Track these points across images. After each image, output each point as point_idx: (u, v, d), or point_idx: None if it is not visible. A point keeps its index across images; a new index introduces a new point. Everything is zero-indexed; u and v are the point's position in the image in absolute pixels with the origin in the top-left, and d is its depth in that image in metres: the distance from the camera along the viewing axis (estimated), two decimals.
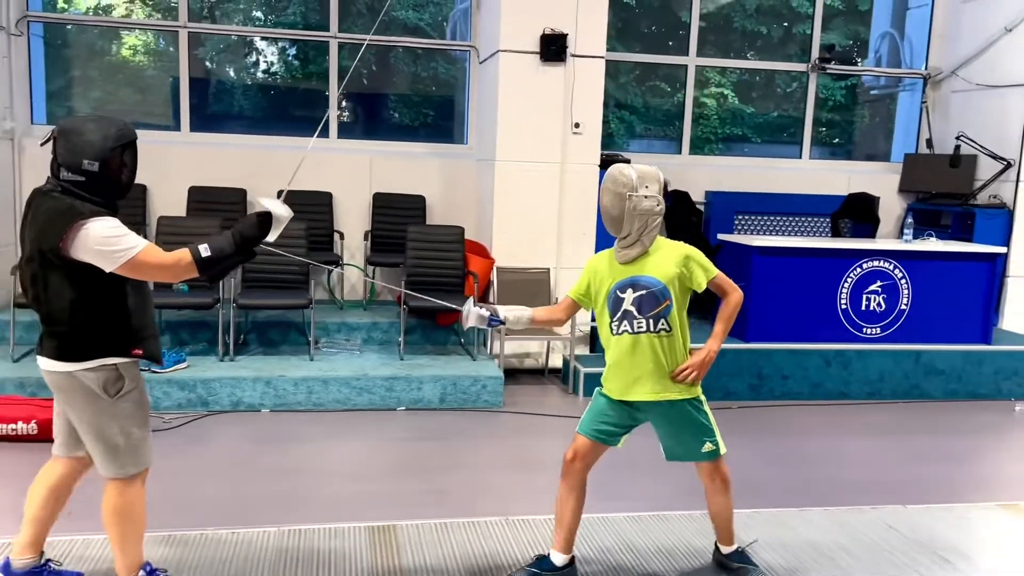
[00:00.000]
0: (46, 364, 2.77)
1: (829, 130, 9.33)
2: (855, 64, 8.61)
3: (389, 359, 6.00)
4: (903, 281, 6.45)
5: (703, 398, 3.18)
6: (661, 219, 3.11)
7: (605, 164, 6.85)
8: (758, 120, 9.15)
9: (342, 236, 7.19)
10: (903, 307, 6.47)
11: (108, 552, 3.17)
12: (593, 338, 6.87)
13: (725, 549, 3.43)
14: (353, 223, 7.28)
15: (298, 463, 4.66)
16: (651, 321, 3.06)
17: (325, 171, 7.21)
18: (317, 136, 3.59)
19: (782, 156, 8.78)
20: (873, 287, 6.41)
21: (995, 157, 7.46)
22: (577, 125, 6.56)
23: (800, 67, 8.45)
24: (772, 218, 7.98)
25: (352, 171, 7.35)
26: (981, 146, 7.50)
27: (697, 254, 3.13)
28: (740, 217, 7.96)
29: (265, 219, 2.78)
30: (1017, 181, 7.32)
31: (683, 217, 7.75)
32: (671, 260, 3.09)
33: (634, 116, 9.08)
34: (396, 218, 7.13)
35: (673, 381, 3.08)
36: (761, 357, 6.23)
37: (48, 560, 3.07)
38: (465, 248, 6.52)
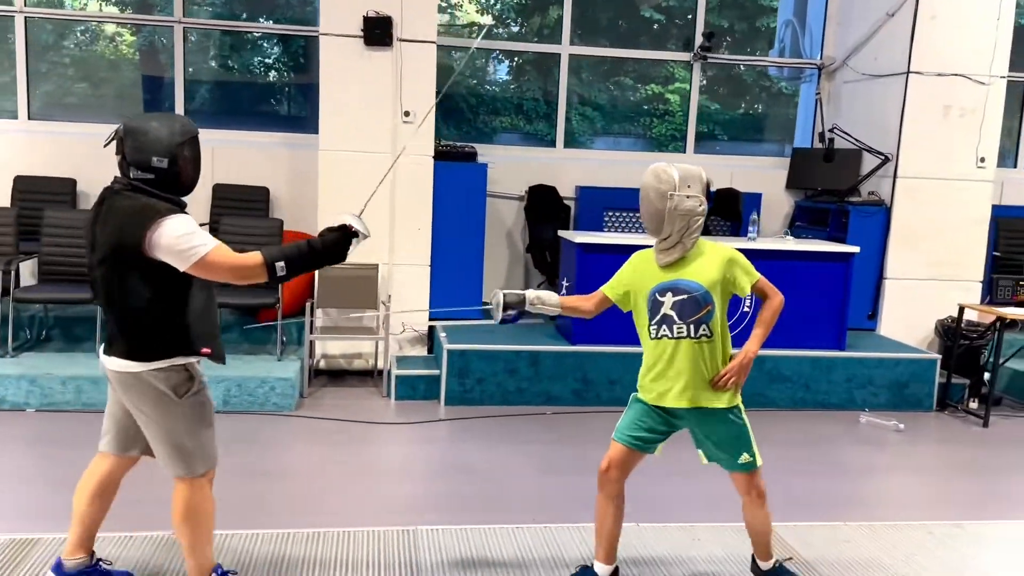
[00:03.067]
0: (115, 364, 2.77)
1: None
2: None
3: None
4: None
5: (742, 407, 3.10)
6: (703, 220, 2.99)
7: (441, 155, 6.53)
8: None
9: None
10: (746, 309, 6.05)
11: (157, 551, 3.38)
12: (431, 339, 6.53)
13: (763, 565, 3.30)
14: (193, 216, 6.97)
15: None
16: (692, 327, 2.98)
17: None
18: None
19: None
20: None
21: (871, 151, 7.01)
22: (407, 113, 6.23)
23: (684, 56, 8.05)
24: (639, 215, 7.57)
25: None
26: (856, 139, 7.06)
27: (740, 258, 3.05)
28: (610, 213, 7.57)
29: (347, 237, 2.79)
30: (895, 177, 6.87)
31: (549, 213, 7.39)
32: (714, 264, 3.00)
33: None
34: (236, 211, 6.83)
35: (713, 388, 3.00)
36: (587, 360, 5.85)
37: (99, 560, 3.10)
38: (285, 242, 6.22)
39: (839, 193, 7.16)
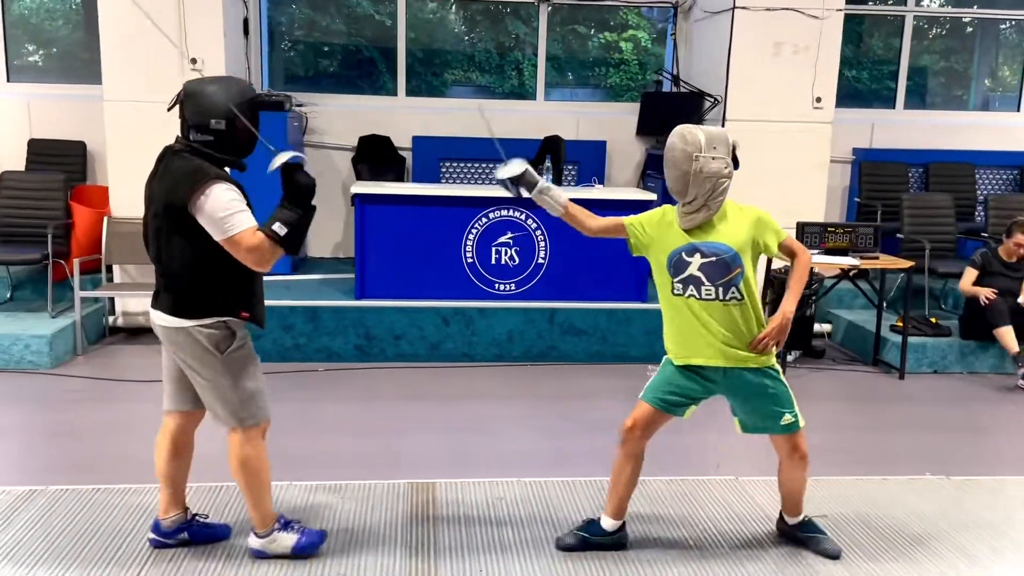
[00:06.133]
0: (160, 319, 2.85)
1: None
2: None
3: None
4: (538, 232, 5.78)
5: (778, 367, 3.04)
6: (729, 183, 2.92)
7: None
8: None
9: None
10: (540, 261, 5.82)
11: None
12: None
13: (791, 520, 3.29)
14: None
15: None
16: (720, 289, 2.93)
17: None
18: None
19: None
20: (503, 239, 5.76)
21: (703, 95, 6.67)
22: (195, 61, 6.00)
23: None
24: (477, 165, 7.33)
25: (10, 116, 6.92)
26: (687, 82, 6.72)
27: (768, 217, 3.01)
28: (446, 164, 7.32)
29: (293, 174, 2.80)
30: (723, 120, 6.53)
31: (382, 165, 7.16)
32: (742, 225, 2.96)
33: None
34: (53, 167, 6.67)
35: (752, 351, 2.94)
36: (369, 315, 5.66)
37: (195, 515, 3.18)
38: (72, 197, 6.09)
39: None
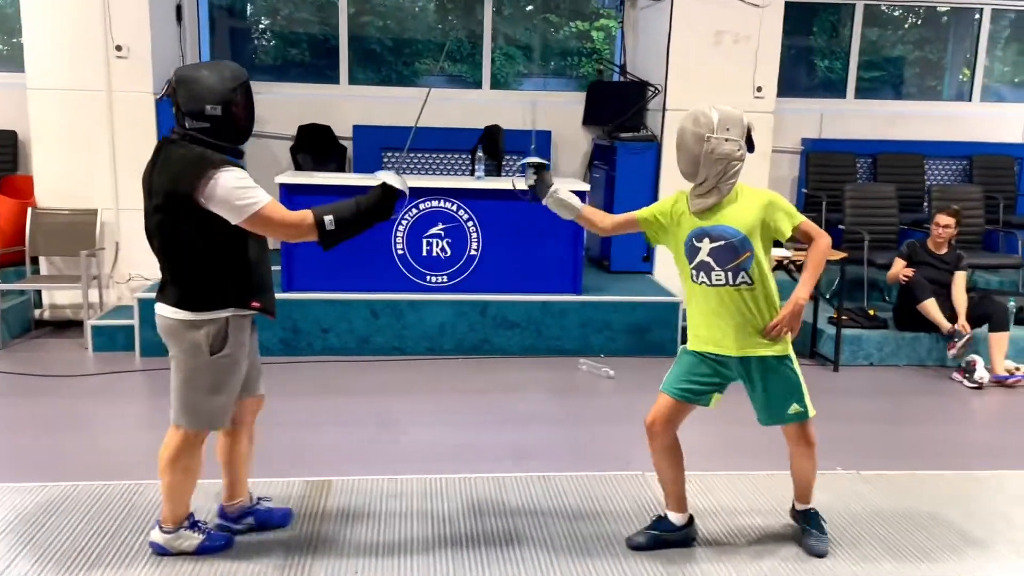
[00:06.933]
0: (164, 310, 2.80)
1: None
2: None
3: None
4: (470, 224, 5.69)
5: (793, 355, 3.01)
6: (741, 165, 2.88)
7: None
8: None
9: None
10: (472, 253, 5.72)
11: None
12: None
13: (799, 506, 3.30)
14: None
15: None
16: (730, 274, 2.89)
17: None
18: None
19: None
20: (434, 230, 5.66)
21: (645, 84, 6.58)
22: (120, 48, 5.86)
23: None
24: (420, 155, 7.21)
25: None
26: (630, 72, 6.62)
27: (780, 200, 2.95)
28: (388, 153, 7.20)
29: (389, 195, 2.79)
30: (663, 110, 6.45)
31: (323, 154, 7.03)
32: (752, 208, 2.90)
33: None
34: None
35: (765, 338, 2.92)
36: (296, 309, 5.55)
37: (260, 498, 3.22)
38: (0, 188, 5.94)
39: (609, 130, 6.76)
